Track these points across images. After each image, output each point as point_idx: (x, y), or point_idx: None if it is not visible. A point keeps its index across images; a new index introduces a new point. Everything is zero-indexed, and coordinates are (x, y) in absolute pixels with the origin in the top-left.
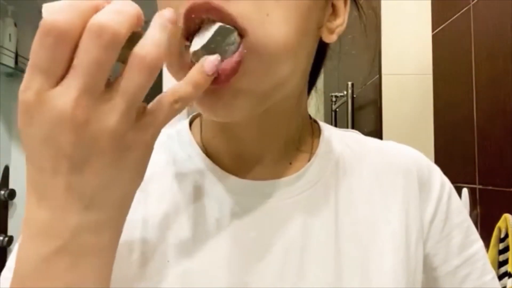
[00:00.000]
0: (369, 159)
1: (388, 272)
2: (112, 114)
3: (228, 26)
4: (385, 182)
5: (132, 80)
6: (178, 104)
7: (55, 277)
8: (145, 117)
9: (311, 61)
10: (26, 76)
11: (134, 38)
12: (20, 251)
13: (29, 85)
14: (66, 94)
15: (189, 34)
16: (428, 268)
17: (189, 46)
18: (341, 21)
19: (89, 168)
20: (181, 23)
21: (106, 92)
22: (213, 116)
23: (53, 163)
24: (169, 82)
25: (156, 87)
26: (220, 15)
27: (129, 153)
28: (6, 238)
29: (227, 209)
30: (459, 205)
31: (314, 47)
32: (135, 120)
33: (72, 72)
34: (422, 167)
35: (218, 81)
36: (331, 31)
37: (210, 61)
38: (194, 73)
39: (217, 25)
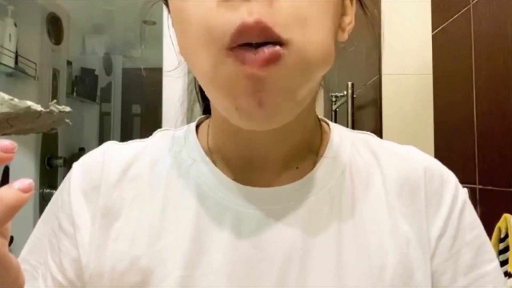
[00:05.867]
0: (379, 168)
1: (389, 286)
2: None
3: None
4: (391, 193)
5: None
6: None
7: None
8: None
9: None
10: None
11: (30, 115)
12: None
13: None
14: None
15: (233, 48)
16: None
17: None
18: (350, 19)
19: None
20: (227, 38)
21: None
22: (252, 121)
23: None
24: (169, 84)
25: (156, 91)
26: (267, 35)
27: None
28: None
29: (229, 216)
30: (473, 221)
31: None
32: None
33: None
34: (433, 179)
35: (256, 62)
36: (343, 30)
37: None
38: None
39: None
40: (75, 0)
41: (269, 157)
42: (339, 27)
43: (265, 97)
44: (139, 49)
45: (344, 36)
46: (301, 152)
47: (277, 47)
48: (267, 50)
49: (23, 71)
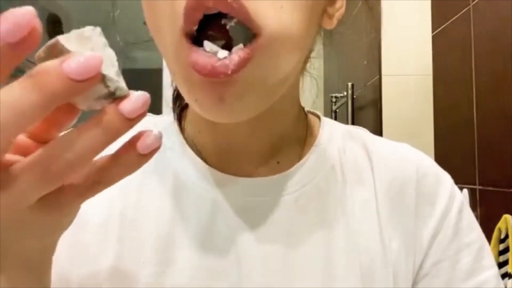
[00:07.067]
0: (370, 164)
1: (379, 286)
2: None
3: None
4: (380, 191)
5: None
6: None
7: None
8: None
9: (311, 49)
10: None
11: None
12: None
13: None
14: None
15: (188, 34)
16: None
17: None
18: (340, 5)
19: None
20: (181, 20)
21: None
22: (214, 116)
23: None
24: (169, 85)
25: (156, 92)
26: (236, 12)
27: None
28: None
29: (206, 206)
30: (472, 223)
31: (316, 35)
32: None
33: None
34: (427, 177)
35: (219, 73)
36: (330, 16)
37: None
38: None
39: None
40: (75, 0)
41: (246, 149)
42: (323, 15)
43: (227, 92)
44: (140, 50)
45: (332, 23)
46: (283, 145)
47: (248, 54)
48: (228, 62)
49: (23, 71)
